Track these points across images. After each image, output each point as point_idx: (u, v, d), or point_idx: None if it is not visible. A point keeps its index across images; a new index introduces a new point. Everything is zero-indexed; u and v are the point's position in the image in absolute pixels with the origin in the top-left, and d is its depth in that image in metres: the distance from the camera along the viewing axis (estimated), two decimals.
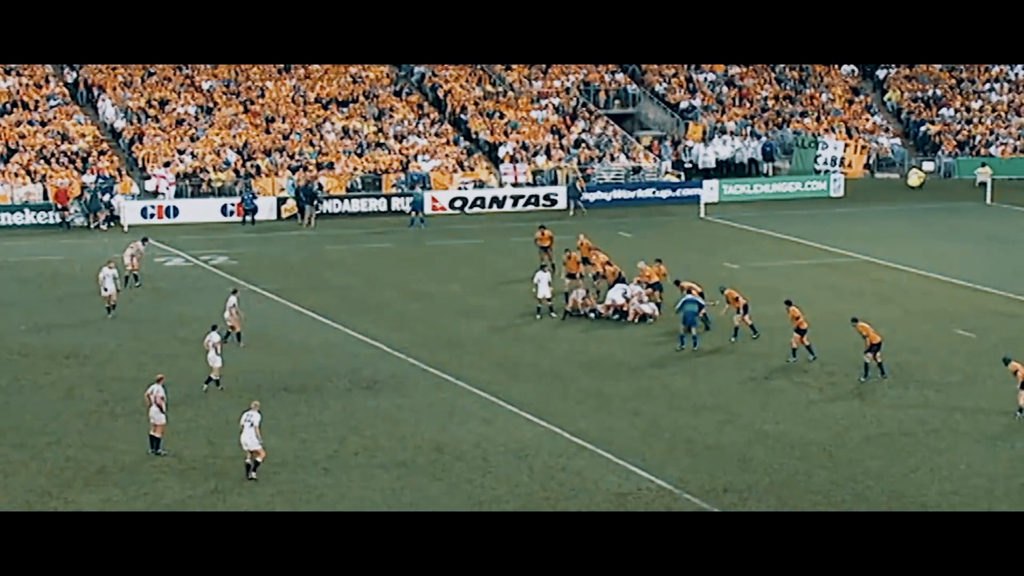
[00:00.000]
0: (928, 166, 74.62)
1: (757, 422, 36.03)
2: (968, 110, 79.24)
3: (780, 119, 77.05)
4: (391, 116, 71.93)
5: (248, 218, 63.10)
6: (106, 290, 45.17)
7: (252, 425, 31.86)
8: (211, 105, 70.93)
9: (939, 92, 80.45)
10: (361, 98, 73.13)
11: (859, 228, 61.96)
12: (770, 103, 78.35)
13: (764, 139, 74.65)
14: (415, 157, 68.81)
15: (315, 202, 63.44)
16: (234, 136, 68.79)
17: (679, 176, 70.82)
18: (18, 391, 38.36)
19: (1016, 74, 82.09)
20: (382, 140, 70.08)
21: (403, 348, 42.09)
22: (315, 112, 71.61)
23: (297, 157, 67.93)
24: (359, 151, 69.04)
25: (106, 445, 34.03)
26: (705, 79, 79.52)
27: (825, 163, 71.86)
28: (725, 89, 79.04)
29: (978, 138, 76.86)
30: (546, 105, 74.46)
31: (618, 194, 67.44)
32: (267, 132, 69.63)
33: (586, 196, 66.60)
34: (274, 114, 70.91)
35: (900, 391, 38.53)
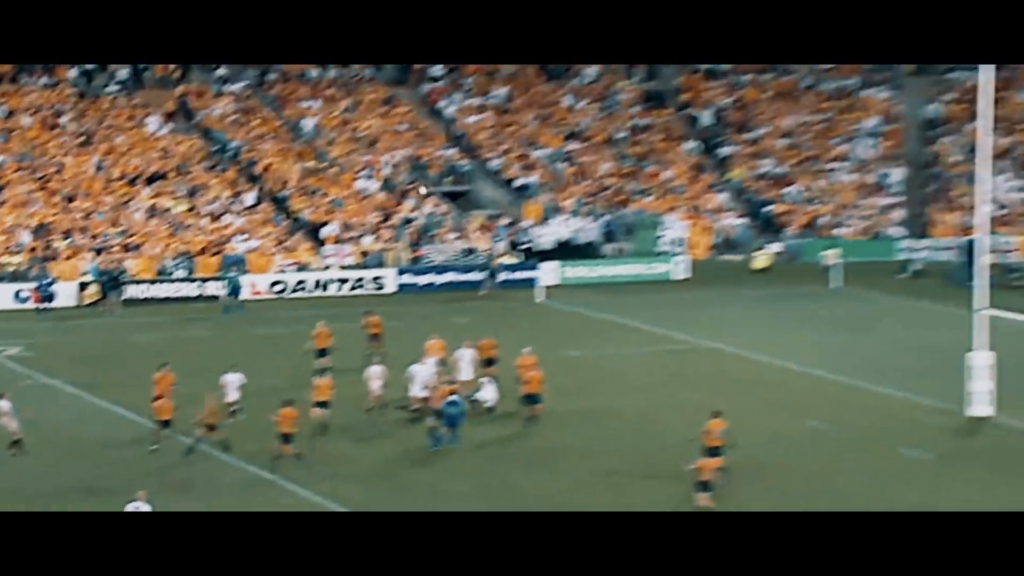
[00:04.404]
0: (775, 247, 71.64)
1: None
2: (811, 189, 76.82)
3: (621, 197, 73.72)
4: (204, 194, 67.18)
5: (44, 305, 58.04)
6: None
7: None
8: (2, 183, 65.66)
9: (783, 171, 77.92)
10: (171, 174, 68.22)
11: (705, 313, 58.60)
12: (610, 181, 74.97)
13: (605, 218, 71.26)
14: (230, 238, 64.26)
15: (120, 287, 58.92)
16: (29, 216, 63.62)
17: (517, 258, 67.07)
18: None
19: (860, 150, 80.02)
20: (194, 219, 65.36)
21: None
22: (120, 189, 66.59)
23: (100, 238, 63.00)
24: (170, 231, 64.24)
25: None
26: (542, 155, 75.93)
27: (668, 244, 68.90)
28: (563, 166, 75.53)
29: (826, 218, 74.48)
30: (371, 176, 70.29)
31: (450, 276, 63.55)
32: (66, 211, 64.50)
33: (415, 280, 63.05)
34: (74, 192, 65.78)
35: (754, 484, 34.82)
